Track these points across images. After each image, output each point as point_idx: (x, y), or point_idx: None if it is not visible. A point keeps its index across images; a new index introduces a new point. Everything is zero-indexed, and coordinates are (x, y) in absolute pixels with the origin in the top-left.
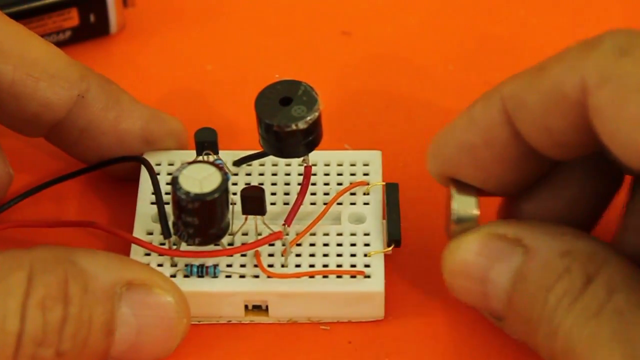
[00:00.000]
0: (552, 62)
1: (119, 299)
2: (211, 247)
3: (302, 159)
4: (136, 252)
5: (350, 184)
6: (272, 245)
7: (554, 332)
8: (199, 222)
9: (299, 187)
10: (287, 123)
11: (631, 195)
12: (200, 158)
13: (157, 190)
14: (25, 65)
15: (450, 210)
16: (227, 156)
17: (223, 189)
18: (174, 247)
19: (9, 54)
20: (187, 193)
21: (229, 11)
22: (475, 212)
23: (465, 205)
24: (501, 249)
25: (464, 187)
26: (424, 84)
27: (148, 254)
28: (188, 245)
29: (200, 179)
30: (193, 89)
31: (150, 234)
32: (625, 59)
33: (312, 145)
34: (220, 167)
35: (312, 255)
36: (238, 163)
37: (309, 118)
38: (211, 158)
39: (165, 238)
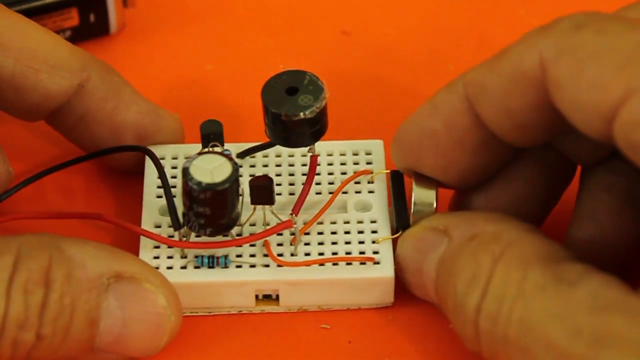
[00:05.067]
0: (512, 46)
1: (106, 289)
2: (221, 238)
3: (307, 148)
4: (145, 244)
5: (355, 172)
6: (280, 235)
7: (470, 319)
8: (211, 212)
9: (304, 177)
10: (295, 112)
11: (580, 186)
12: (206, 150)
13: (164, 182)
14: (26, 57)
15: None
16: (231, 148)
17: (234, 179)
18: (184, 238)
19: (9, 46)
20: (199, 183)
21: (229, 11)
22: (433, 204)
23: (423, 197)
24: (432, 241)
25: (425, 180)
26: (424, 84)
27: (157, 247)
28: (198, 236)
29: (210, 169)
30: (193, 89)
31: (159, 226)
32: (581, 31)
33: (318, 134)
34: (230, 157)
35: (320, 243)
36: (242, 155)
37: (316, 107)
38: (217, 149)
39: (175, 230)
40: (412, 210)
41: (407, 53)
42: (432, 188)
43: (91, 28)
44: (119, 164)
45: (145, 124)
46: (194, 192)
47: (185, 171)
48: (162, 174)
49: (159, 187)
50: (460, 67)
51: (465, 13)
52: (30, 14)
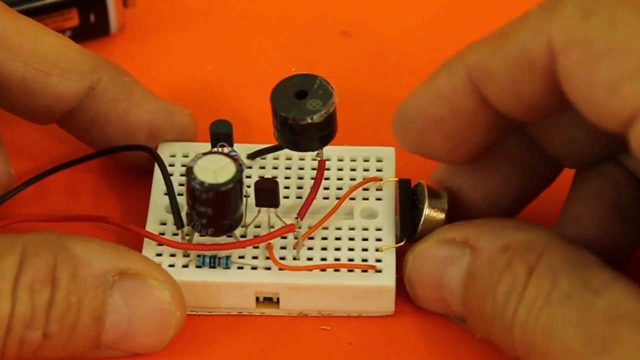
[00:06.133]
0: (516, 28)
1: (111, 286)
2: (224, 239)
3: (316, 153)
4: (149, 243)
5: (364, 179)
6: (285, 238)
7: (508, 327)
8: (213, 212)
9: (313, 181)
10: (302, 116)
11: (571, 188)
12: (214, 149)
13: (167, 181)
14: (36, 61)
15: (422, 213)
16: (240, 149)
17: (237, 180)
18: (187, 237)
19: (19, 50)
20: (202, 183)
21: (229, 11)
22: (442, 215)
23: (433, 207)
24: (451, 253)
25: (434, 190)
26: None
27: (160, 244)
28: (201, 235)
29: (214, 170)
30: (193, 89)
31: (164, 223)
32: (590, 20)
33: (326, 139)
34: (234, 158)
35: (324, 249)
36: (252, 156)
37: (324, 112)
38: (226, 150)
39: (178, 228)
40: (421, 220)
41: (408, 53)
42: (441, 197)
43: (91, 28)
44: (131, 162)
45: (157, 122)
46: (197, 192)
47: (189, 170)
48: (165, 173)
49: None
50: None
51: (465, 13)
52: (30, 14)
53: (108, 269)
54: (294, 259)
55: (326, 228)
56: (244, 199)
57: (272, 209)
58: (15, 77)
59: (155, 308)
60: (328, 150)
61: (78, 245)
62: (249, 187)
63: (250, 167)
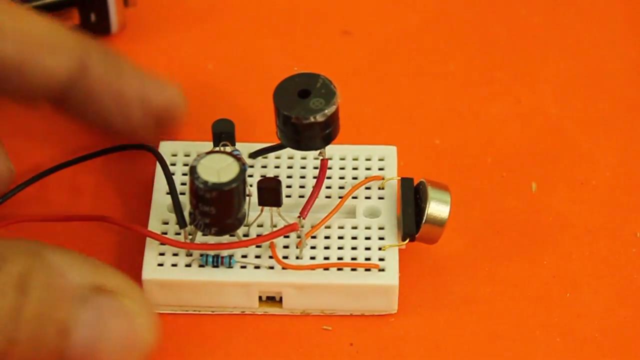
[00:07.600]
0: None
1: (84, 301)
2: (227, 239)
3: (318, 152)
4: (151, 242)
5: (366, 178)
6: (287, 237)
7: None
8: (216, 211)
9: (315, 180)
10: (306, 115)
11: None
12: (217, 149)
13: (169, 180)
14: (25, 41)
15: (424, 212)
16: (242, 148)
17: (241, 179)
18: (190, 236)
19: (7, 31)
20: (205, 182)
21: (230, 11)
22: (445, 214)
23: (436, 205)
24: None
25: (436, 189)
26: (425, 83)
27: (163, 243)
28: (204, 235)
29: (218, 169)
30: (194, 88)
31: (166, 223)
32: None
33: (329, 138)
34: (238, 158)
35: (327, 247)
36: (254, 155)
37: (327, 111)
38: (228, 149)
39: (180, 228)
40: (424, 218)
41: (408, 53)
42: (446, 200)
43: (92, 28)
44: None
45: (149, 95)
46: (200, 191)
47: (193, 170)
48: (167, 172)
49: None
50: (461, 66)
51: (465, 13)
52: None
53: (82, 283)
54: (297, 258)
55: (329, 227)
56: (247, 198)
57: (274, 208)
58: (4, 57)
59: (126, 329)
60: (330, 149)
61: (55, 255)
62: (251, 186)
63: (252, 167)
